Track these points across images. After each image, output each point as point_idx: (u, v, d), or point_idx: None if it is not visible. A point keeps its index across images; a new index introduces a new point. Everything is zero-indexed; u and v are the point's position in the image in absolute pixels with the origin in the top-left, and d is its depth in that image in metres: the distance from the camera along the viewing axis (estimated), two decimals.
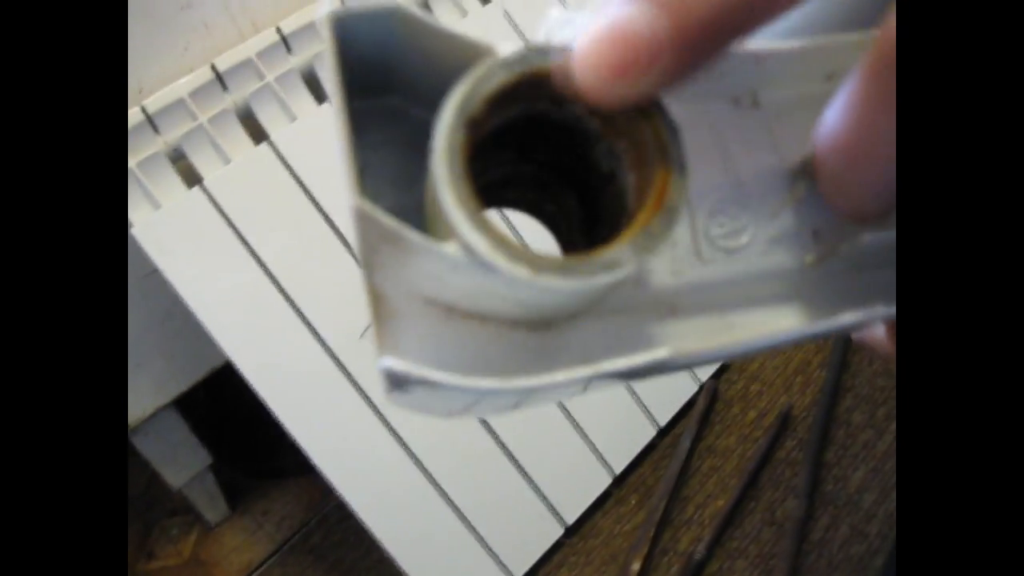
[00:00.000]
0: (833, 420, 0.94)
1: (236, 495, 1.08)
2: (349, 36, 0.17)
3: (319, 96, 0.88)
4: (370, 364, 0.86)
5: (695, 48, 0.16)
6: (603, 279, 0.17)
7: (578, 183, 0.20)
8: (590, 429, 0.97)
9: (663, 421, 1.02)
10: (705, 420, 1.02)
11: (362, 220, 0.16)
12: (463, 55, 0.18)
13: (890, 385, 0.95)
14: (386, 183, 0.18)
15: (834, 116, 0.18)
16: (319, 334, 0.84)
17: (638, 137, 0.18)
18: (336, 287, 0.86)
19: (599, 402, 0.98)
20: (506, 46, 0.18)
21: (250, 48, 0.84)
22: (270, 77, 0.85)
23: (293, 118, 0.86)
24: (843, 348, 1.01)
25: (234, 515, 1.06)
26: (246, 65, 0.84)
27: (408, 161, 0.18)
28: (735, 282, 0.20)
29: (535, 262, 0.16)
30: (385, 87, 0.19)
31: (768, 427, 0.96)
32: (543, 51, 0.17)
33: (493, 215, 0.21)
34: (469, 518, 0.89)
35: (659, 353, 0.19)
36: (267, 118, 0.85)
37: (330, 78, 0.17)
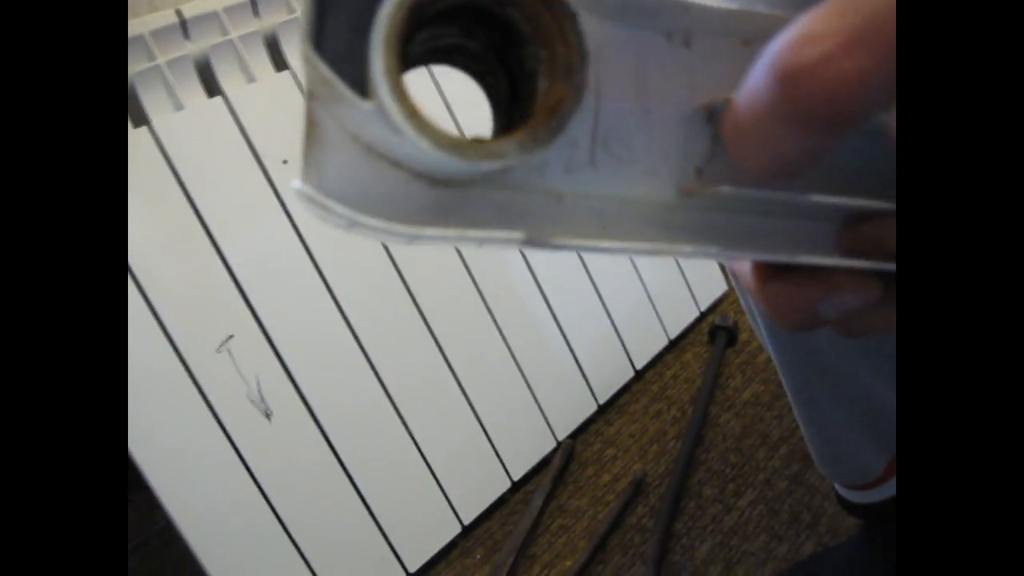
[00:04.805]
0: (685, 491, 0.95)
1: None
2: None
3: (210, 89, 0.84)
4: (224, 379, 0.81)
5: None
6: (486, 165, 0.19)
7: (509, 71, 0.23)
8: (444, 474, 0.94)
9: (517, 475, 1.00)
10: (559, 478, 1.01)
11: (308, 62, 0.18)
12: None
13: (741, 462, 0.97)
14: (345, 26, 0.19)
15: (755, 81, 0.19)
16: (171, 337, 0.78)
17: (556, 52, 0.20)
18: (198, 290, 0.80)
19: (455, 447, 0.96)
20: None
21: (144, 26, 0.79)
22: (161, 60, 0.80)
23: (180, 107, 0.81)
24: (699, 423, 1.03)
25: None
26: (136, 42, 0.79)
27: (370, 10, 0.19)
28: (616, 191, 0.23)
29: (436, 137, 0.19)
30: None
31: (621, 492, 0.96)
32: None
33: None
34: (308, 556, 0.83)
35: (515, 235, 0.21)
36: (151, 103, 0.80)
37: None
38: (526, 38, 0.21)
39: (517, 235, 0.21)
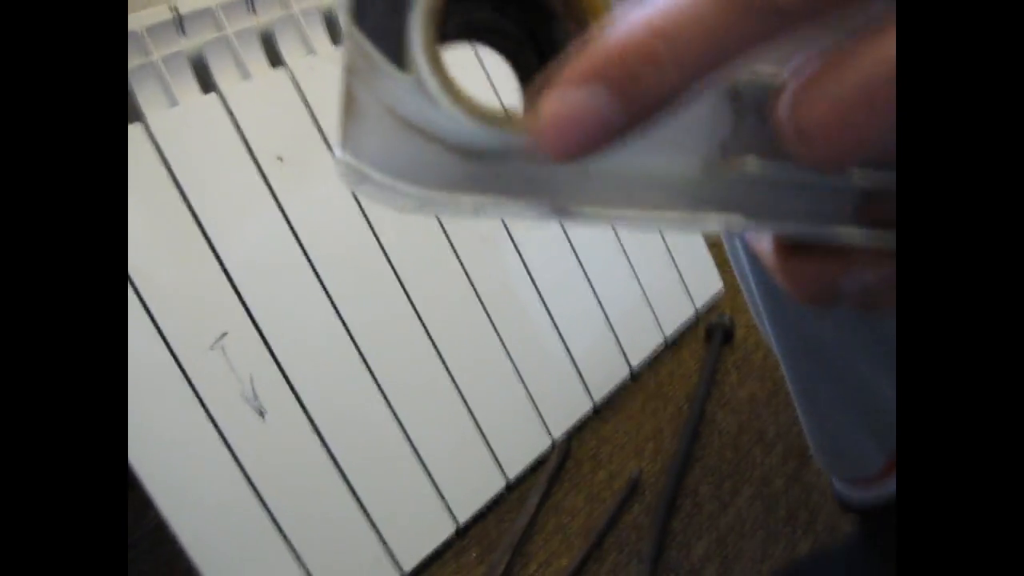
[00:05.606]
0: (681, 489, 0.95)
1: None
2: None
3: (205, 85, 0.83)
4: (218, 377, 0.80)
5: (642, 125, 0.19)
6: (518, 138, 0.20)
7: (540, 48, 0.23)
8: (438, 473, 0.93)
9: (513, 474, 1.00)
10: (555, 477, 1.00)
11: (349, 38, 0.19)
12: None
13: (738, 460, 0.97)
14: (382, 2, 0.20)
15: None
16: (164, 334, 0.77)
17: (589, 31, 0.20)
18: (192, 287, 0.80)
19: (451, 446, 0.95)
20: None
21: (139, 21, 0.78)
22: (157, 56, 0.79)
23: (174, 103, 0.80)
24: (695, 420, 1.03)
25: None
26: (131, 38, 0.78)
27: None
28: (643, 165, 0.24)
29: (471, 108, 0.20)
30: None
31: (617, 490, 0.96)
32: None
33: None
34: (302, 556, 0.83)
35: (542, 204, 0.22)
36: (146, 99, 0.79)
37: None
38: (557, 15, 0.21)
39: (544, 203, 0.22)
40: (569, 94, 0.18)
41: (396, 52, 0.20)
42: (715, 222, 0.25)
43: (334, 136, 0.20)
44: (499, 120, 0.20)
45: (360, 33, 0.19)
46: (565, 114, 0.18)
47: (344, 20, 0.19)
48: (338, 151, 0.20)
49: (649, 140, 0.24)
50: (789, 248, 0.27)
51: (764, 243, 0.28)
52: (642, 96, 0.18)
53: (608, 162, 0.23)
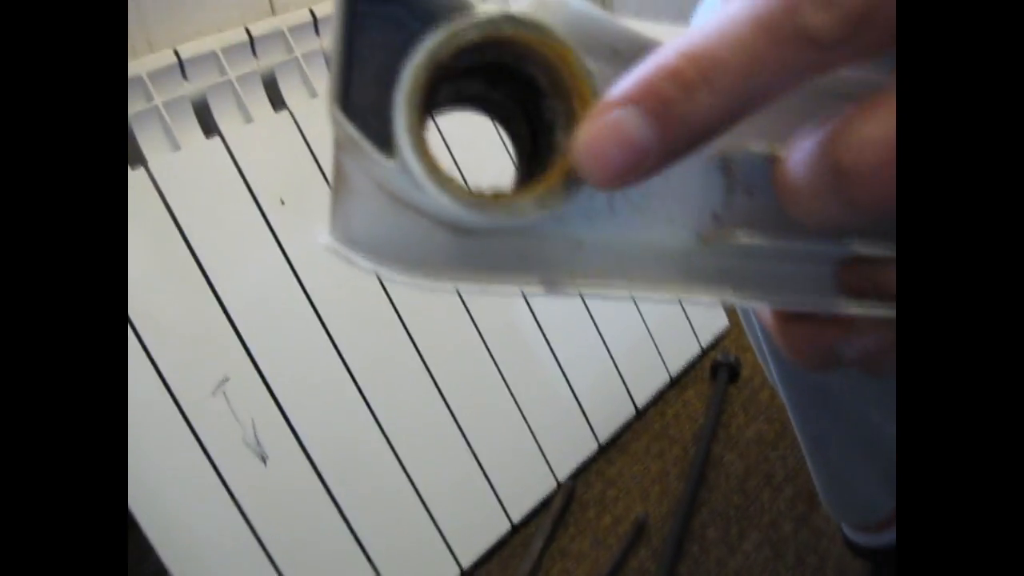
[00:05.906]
0: (688, 534, 0.93)
1: None
2: None
3: (208, 129, 0.84)
4: (220, 422, 0.79)
5: (678, 154, 0.19)
6: (506, 221, 0.20)
7: (531, 120, 0.23)
8: (442, 517, 0.92)
9: (517, 516, 0.99)
10: (560, 521, 0.99)
11: (332, 120, 0.19)
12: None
13: (745, 503, 0.95)
14: (371, 80, 0.20)
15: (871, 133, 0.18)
16: (166, 379, 0.77)
17: (573, 108, 0.20)
18: (194, 332, 0.79)
19: (454, 490, 0.94)
20: (483, 6, 0.20)
21: (142, 67, 0.79)
22: (159, 100, 0.79)
23: (177, 148, 0.81)
24: (701, 462, 1.02)
25: None
26: (134, 83, 0.79)
27: (396, 65, 0.20)
28: (636, 237, 0.24)
29: (456, 193, 0.20)
30: None
31: (623, 534, 0.94)
32: (511, 20, 0.20)
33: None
34: None
35: (534, 283, 0.22)
36: (148, 143, 0.80)
37: None
38: (545, 92, 0.21)
39: (536, 283, 0.22)
40: (604, 118, 0.19)
41: (383, 131, 0.20)
42: (707, 295, 0.25)
43: (326, 210, 0.21)
44: (486, 203, 0.20)
45: (344, 117, 0.19)
46: (601, 136, 0.19)
47: (328, 102, 0.19)
48: (328, 227, 0.20)
49: (641, 211, 0.24)
50: (787, 315, 0.27)
51: (764, 310, 0.28)
52: (675, 121, 0.18)
53: (600, 234, 0.23)
